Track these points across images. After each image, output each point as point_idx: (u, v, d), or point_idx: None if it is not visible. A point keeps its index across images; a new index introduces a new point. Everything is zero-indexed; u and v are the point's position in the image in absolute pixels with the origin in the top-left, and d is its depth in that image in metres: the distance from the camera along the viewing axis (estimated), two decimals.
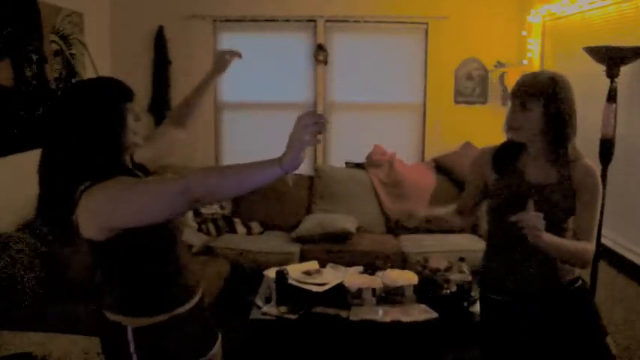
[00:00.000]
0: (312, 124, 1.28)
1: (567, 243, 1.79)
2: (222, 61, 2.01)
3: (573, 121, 1.83)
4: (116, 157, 1.48)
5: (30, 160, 3.28)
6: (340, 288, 2.91)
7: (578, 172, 1.82)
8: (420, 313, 2.74)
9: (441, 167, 4.42)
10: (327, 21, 4.54)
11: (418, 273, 2.99)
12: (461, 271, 2.85)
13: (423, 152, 4.67)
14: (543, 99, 1.80)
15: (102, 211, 1.36)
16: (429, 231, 4.15)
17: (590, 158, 2.68)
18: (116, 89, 1.49)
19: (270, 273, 2.96)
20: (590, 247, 1.78)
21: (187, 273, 1.67)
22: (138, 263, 1.53)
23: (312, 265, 3.24)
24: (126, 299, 1.57)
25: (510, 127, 1.87)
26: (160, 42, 4.47)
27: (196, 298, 1.68)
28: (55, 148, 1.44)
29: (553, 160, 1.84)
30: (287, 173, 1.32)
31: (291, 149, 1.28)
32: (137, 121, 1.50)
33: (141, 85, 4.51)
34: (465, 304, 2.76)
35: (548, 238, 1.68)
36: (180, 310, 1.60)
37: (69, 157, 1.43)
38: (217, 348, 1.75)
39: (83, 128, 1.42)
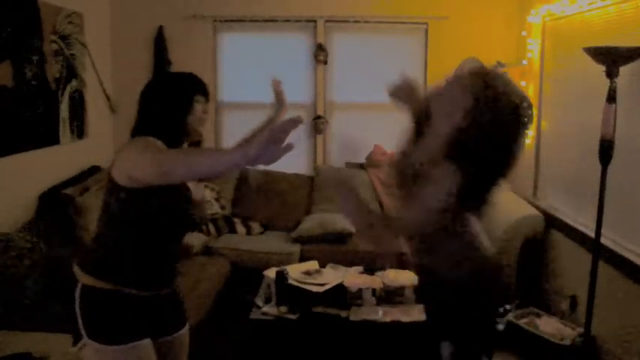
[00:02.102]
0: (283, 133, 1.28)
1: None
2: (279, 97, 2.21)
3: None
4: (177, 133, 1.74)
5: (30, 160, 3.33)
6: (340, 288, 2.91)
7: None
8: (420, 313, 2.74)
9: None
10: (327, 21, 4.54)
11: None
12: None
13: None
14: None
15: (128, 156, 1.61)
16: None
17: (590, 158, 2.69)
18: (193, 82, 1.79)
19: (270, 273, 2.96)
20: None
21: (159, 270, 1.75)
22: (126, 223, 1.66)
23: (312, 265, 3.24)
24: (90, 252, 1.71)
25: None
26: (159, 42, 4.47)
27: (153, 293, 1.73)
28: (140, 115, 1.77)
29: None
30: (248, 165, 1.37)
31: (255, 143, 1.31)
32: (204, 113, 1.78)
33: (141, 85, 4.49)
34: None
35: None
36: (129, 290, 1.67)
37: (145, 120, 1.74)
38: (174, 338, 1.82)
39: (161, 103, 1.75)
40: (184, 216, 1.77)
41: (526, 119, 1.52)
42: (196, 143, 1.83)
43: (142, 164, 1.54)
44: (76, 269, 1.70)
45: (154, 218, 1.67)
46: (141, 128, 1.73)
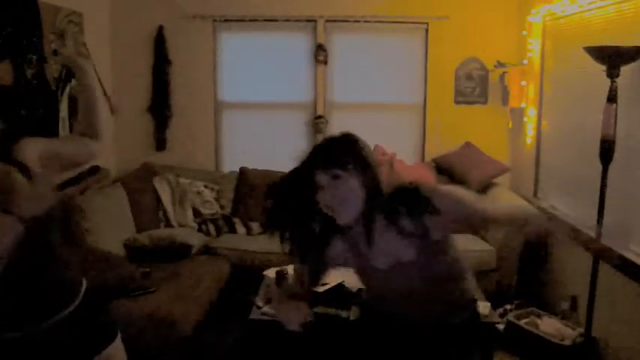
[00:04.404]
0: None
1: None
2: None
3: None
4: None
5: None
6: (340, 288, 2.91)
7: None
8: None
9: (441, 167, 4.41)
10: (327, 21, 4.53)
11: None
12: None
13: (423, 152, 4.67)
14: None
15: None
16: None
17: (591, 158, 2.69)
18: None
19: (270, 273, 2.96)
20: None
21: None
22: None
23: None
24: None
25: None
26: (159, 42, 4.47)
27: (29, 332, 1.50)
28: None
29: None
30: None
31: None
32: None
33: (141, 85, 4.51)
34: None
35: None
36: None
37: None
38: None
39: None
40: None
41: None
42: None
43: None
44: None
45: None
46: None
